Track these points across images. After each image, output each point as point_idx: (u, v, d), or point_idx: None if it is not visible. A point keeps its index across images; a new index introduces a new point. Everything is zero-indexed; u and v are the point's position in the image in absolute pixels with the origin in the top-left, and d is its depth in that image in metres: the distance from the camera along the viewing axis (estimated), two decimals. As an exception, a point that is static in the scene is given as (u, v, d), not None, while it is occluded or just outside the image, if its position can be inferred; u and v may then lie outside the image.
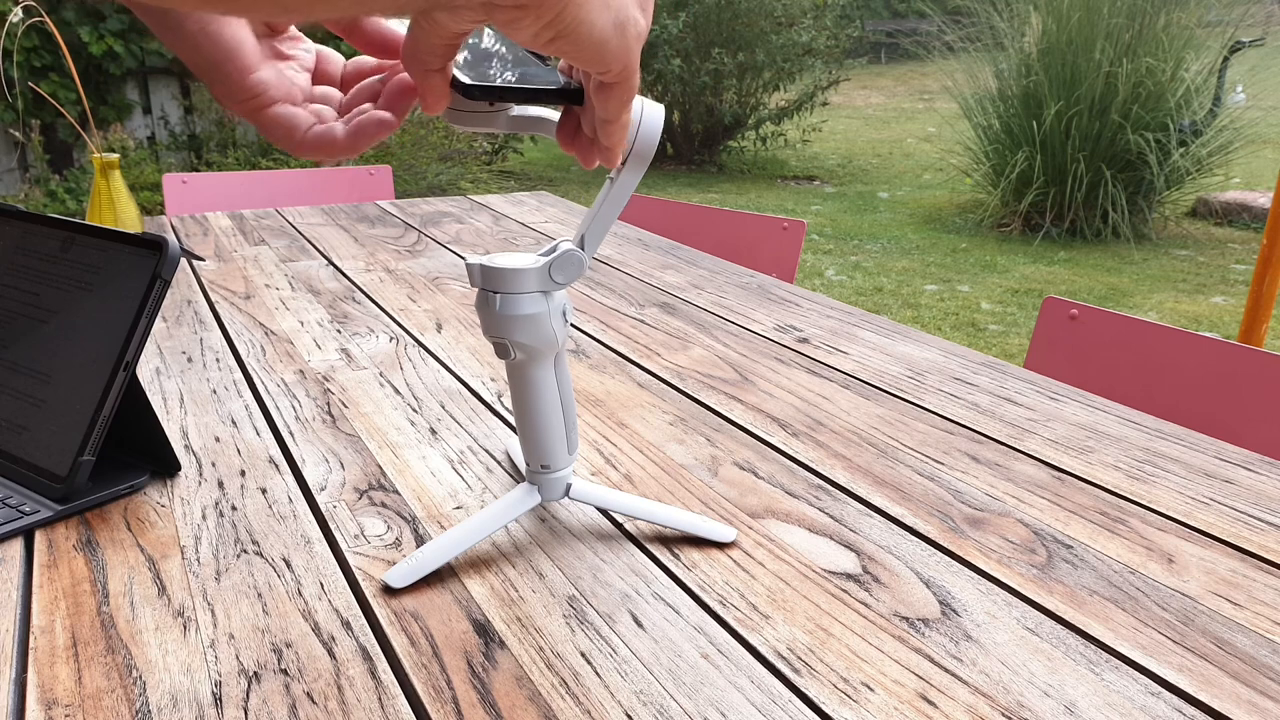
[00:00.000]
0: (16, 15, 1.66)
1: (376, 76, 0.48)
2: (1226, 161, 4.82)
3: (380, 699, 0.50)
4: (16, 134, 4.21)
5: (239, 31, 0.42)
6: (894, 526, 0.68)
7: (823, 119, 7.84)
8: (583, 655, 0.54)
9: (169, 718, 0.49)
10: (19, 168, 4.35)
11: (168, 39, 0.42)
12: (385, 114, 0.45)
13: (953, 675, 0.52)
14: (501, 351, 0.59)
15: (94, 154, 1.31)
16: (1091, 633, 0.56)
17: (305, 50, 0.49)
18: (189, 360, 1.01)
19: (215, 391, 0.92)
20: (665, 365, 1.01)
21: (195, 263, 1.42)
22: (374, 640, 0.55)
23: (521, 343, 0.58)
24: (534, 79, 0.48)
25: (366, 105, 0.47)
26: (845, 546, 0.66)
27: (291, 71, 0.47)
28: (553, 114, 0.52)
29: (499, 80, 0.47)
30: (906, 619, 0.57)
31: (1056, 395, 0.93)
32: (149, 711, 0.49)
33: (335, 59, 0.50)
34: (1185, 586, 0.61)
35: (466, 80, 0.46)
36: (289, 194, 2.12)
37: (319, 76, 0.49)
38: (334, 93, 0.48)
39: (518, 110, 0.51)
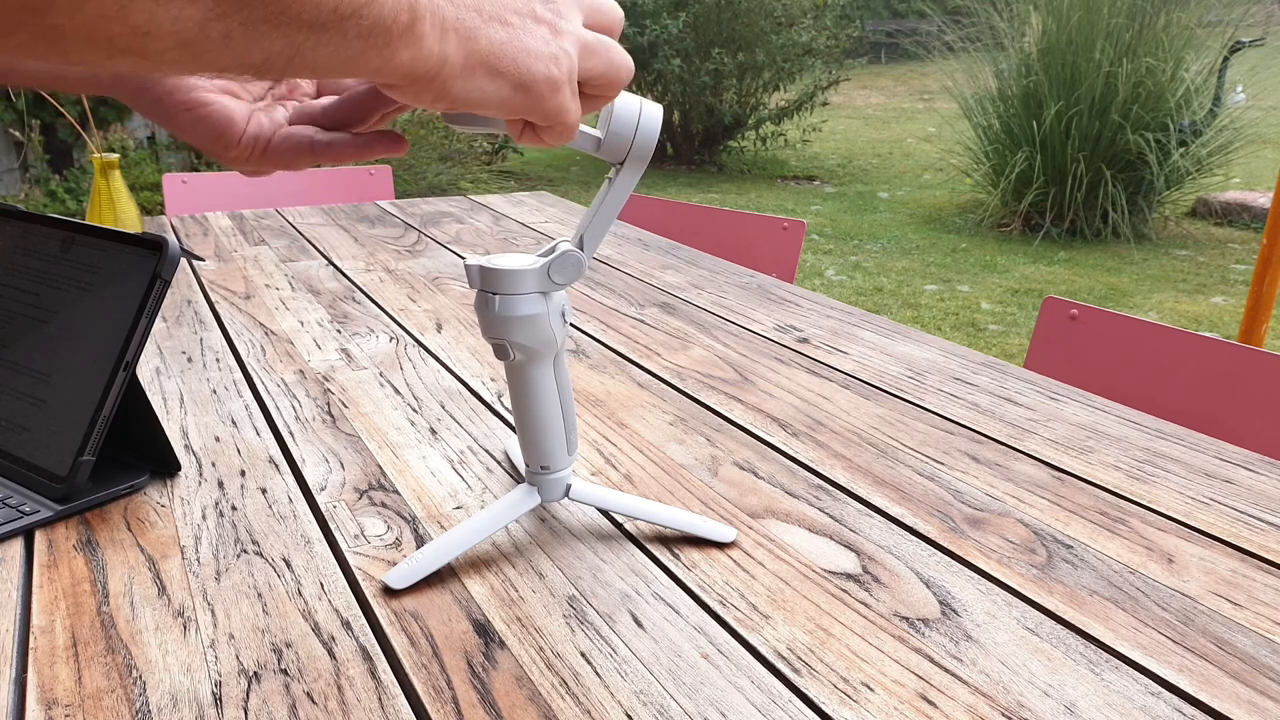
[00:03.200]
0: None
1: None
2: (1226, 161, 4.82)
3: (380, 699, 0.50)
4: (17, 134, 4.21)
5: (225, 104, 0.47)
6: (894, 526, 0.68)
7: (823, 119, 7.84)
8: (583, 655, 0.54)
9: (169, 718, 0.49)
10: (19, 168, 4.35)
11: (165, 117, 0.47)
12: (397, 135, 0.49)
13: (953, 675, 0.52)
14: (500, 352, 0.59)
15: (94, 154, 1.31)
16: (1091, 633, 0.56)
17: (307, 81, 0.53)
18: (189, 360, 1.01)
19: (215, 391, 0.92)
20: (665, 365, 1.01)
21: (195, 263, 1.42)
22: (374, 640, 0.55)
23: (520, 344, 0.58)
24: None
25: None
26: (845, 546, 0.66)
27: (279, 106, 0.51)
28: None
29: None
30: (906, 619, 0.57)
31: (1056, 395, 0.93)
32: (149, 711, 0.49)
33: (341, 83, 0.53)
34: (1185, 586, 0.61)
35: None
36: (289, 194, 2.12)
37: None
38: (317, 103, 0.52)
39: None
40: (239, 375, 0.96)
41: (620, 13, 0.47)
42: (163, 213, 3.53)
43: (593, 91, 0.45)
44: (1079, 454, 0.80)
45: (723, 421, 0.87)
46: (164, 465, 0.75)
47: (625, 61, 0.45)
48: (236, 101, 0.48)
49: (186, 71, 0.32)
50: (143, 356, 1.01)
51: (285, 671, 0.52)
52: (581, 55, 0.43)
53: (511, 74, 0.40)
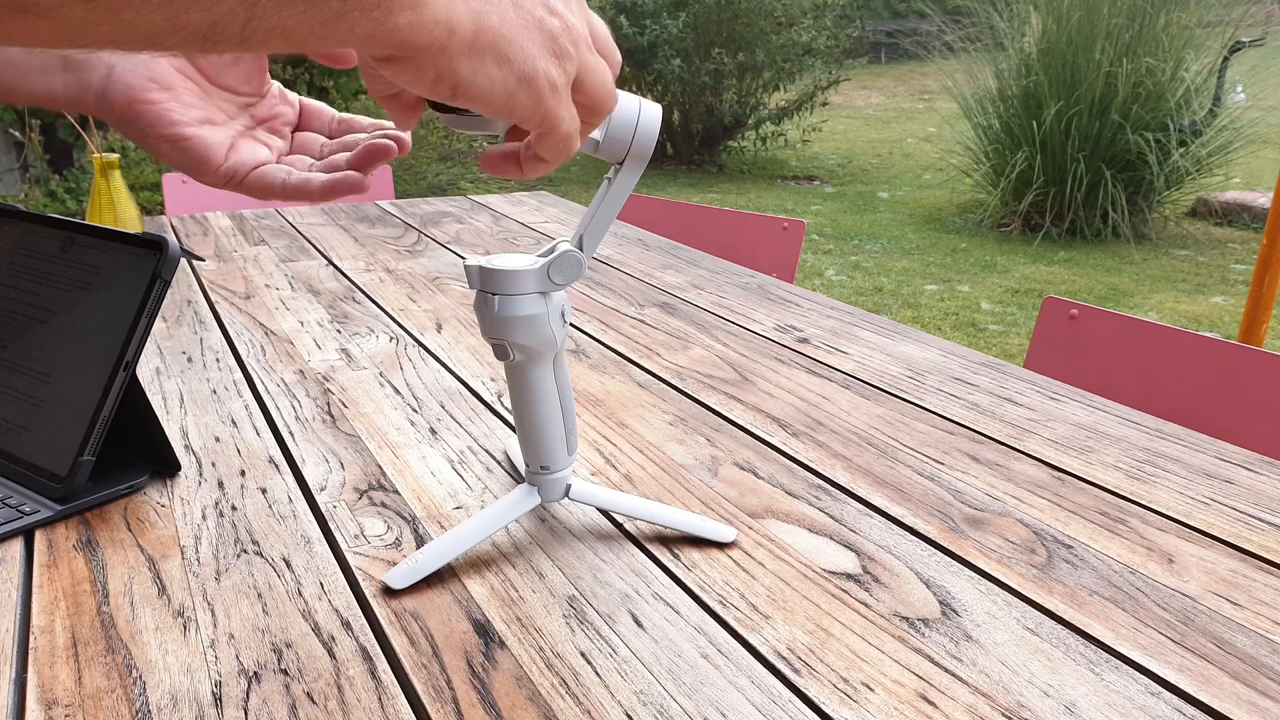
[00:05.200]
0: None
1: (361, 135, 0.53)
2: (1226, 161, 4.82)
3: (380, 699, 0.50)
4: (16, 134, 4.21)
5: (205, 137, 0.48)
6: (894, 526, 0.68)
7: (823, 119, 7.84)
8: (583, 655, 0.54)
9: (169, 718, 0.49)
10: (19, 168, 4.35)
11: (146, 145, 0.47)
12: (361, 177, 0.48)
13: (953, 675, 0.52)
14: (500, 353, 0.59)
15: (94, 154, 1.31)
16: (1091, 633, 0.56)
17: (288, 106, 0.54)
18: (189, 360, 1.01)
19: (215, 391, 0.92)
20: (665, 365, 1.01)
21: (195, 263, 1.42)
22: (374, 640, 0.55)
23: (520, 344, 0.58)
24: None
25: (341, 157, 0.51)
26: (845, 546, 0.66)
27: (265, 136, 0.52)
28: None
29: None
30: (906, 619, 0.57)
31: (1056, 395, 0.93)
32: (149, 711, 0.49)
33: (325, 111, 0.54)
34: (1185, 586, 0.61)
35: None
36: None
37: (307, 126, 0.54)
38: (315, 139, 0.53)
39: None
40: (239, 375, 0.96)
41: (619, 57, 0.45)
42: (163, 213, 3.52)
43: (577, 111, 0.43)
44: (1079, 454, 0.80)
45: (723, 421, 0.87)
46: (164, 465, 0.75)
47: (614, 92, 0.44)
48: (216, 131, 0.48)
49: (113, 41, 0.27)
50: (143, 356, 1.01)
51: (285, 671, 0.52)
52: (581, 66, 0.40)
53: (518, 62, 0.37)
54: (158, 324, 1.12)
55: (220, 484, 0.74)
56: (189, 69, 0.48)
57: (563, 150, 0.42)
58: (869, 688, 0.51)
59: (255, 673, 0.52)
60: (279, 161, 0.50)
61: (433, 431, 0.84)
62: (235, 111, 0.51)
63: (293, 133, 0.53)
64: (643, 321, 1.16)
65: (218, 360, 1.01)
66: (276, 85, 0.53)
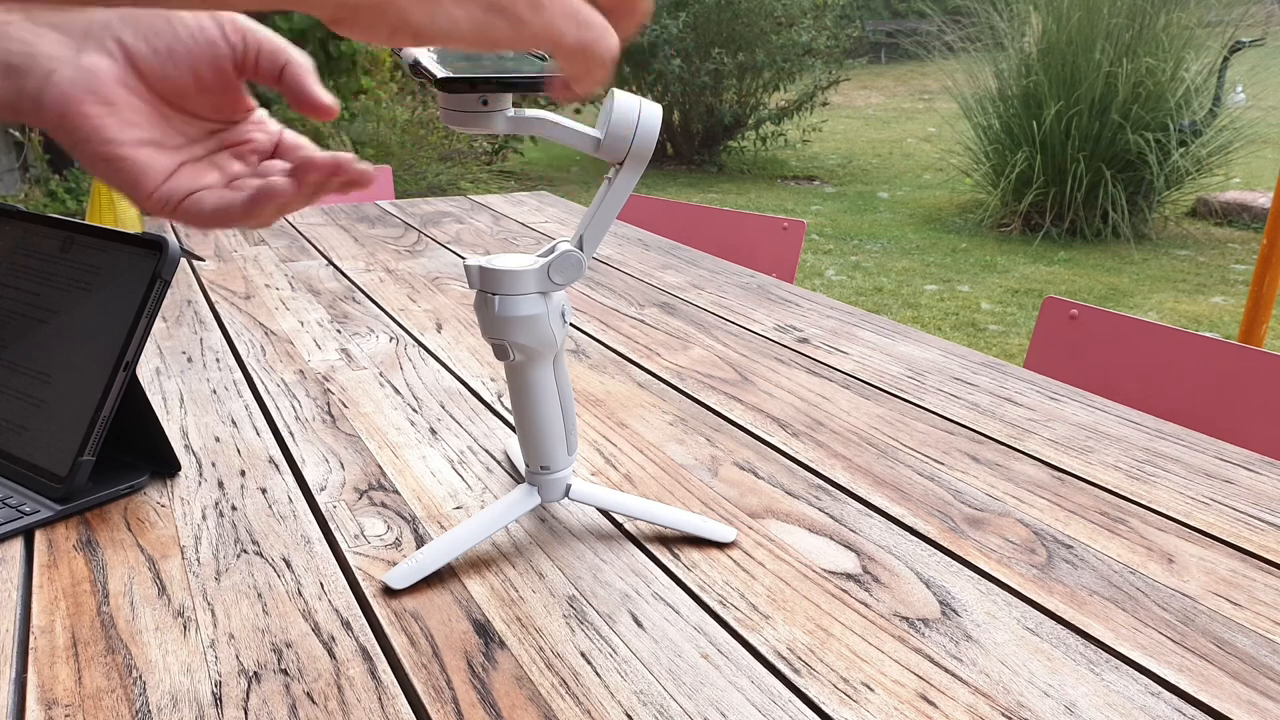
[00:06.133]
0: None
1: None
2: (1226, 161, 4.82)
3: (380, 699, 0.50)
4: (17, 134, 4.21)
5: (139, 159, 0.43)
6: (894, 526, 0.68)
7: (823, 119, 7.84)
8: (583, 655, 0.54)
9: (169, 718, 0.49)
10: (19, 168, 4.35)
11: (81, 161, 0.43)
12: (281, 181, 0.43)
13: (953, 675, 0.52)
14: (500, 353, 0.59)
15: (94, 154, 1.31)
16: (1091, 633, 0.56)
17: (264, 135, 0.48)
18: (189, 360, 1.01)
19: (215, 391, 0.92)
20: (665, 365, 1.01)
21: (195, 263, 1.42)
22: (374, 640, 0.55)
23: (520, 344, 0.58)
24: (511, 70, 0.48)
25: (276, 164, 0.46)
26: (845, 546, 0.66)
27: (224, 161, 0.46)
28: (552, 115, 0.53)
29: (472, 72, 0.47)
30: (906, 619, 0.57)
31: (1056, 395, 0.93)
32: (149, 711, 0.49)
33: (302, 146, 0.49)
34: (1185, 586, 0.61)
35: (439, 74, 0.46)
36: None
37: (284, 157, 0.48)
38: (278, 165, 0.48)
39: (514, 111, 0.51)
40: (239, 375, 0.96)
41: None
42: (163, 213, 3.52)
43: (604, 3, 0.37)
44: (1079, 454, 0.80)
45: (723, 421, 0.87)
46: (164, 465, 0.75)
47: None
48: (160, 155, 0.44)
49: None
50: (143, 356, 1.01)
51: (285, 671, 0.52)
52: None
53: None
54: (158, 324, 1.12)
55: (220, 484, 0.74)
56: (141, 88, 0.44)
57: (589, 65, 0.37)
58: (869, 688, 0.51)
59: (255, 673, 0.52)
60: (230, 185, 0.45)
61: (433, 431, 0.84)
62: (200, 135, 0.46)
63: (260, 161, 0.48)
64: (643, 321, 1.16)
65: (218, 360, 1.01)
66: (261, 113, 0.49)
